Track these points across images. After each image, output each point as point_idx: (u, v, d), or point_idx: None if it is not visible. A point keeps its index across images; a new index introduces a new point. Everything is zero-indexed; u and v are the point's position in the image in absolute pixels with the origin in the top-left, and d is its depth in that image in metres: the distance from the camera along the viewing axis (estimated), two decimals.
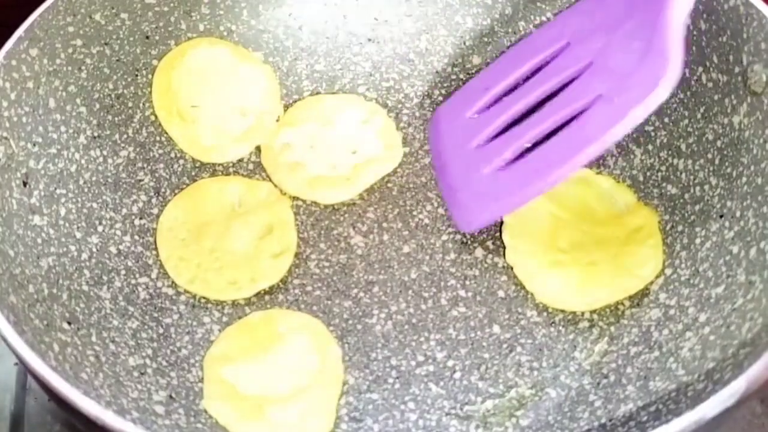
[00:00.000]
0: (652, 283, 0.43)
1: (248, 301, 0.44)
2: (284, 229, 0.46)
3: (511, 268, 0.45)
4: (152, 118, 0.49)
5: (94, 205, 0.45)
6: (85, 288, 0.42)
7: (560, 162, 0.42)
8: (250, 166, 0.49)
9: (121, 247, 0.45)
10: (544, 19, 0.51)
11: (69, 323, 0.40)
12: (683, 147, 0.45)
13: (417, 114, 0.51)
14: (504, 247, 0.46)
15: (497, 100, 0.47)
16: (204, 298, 0.44)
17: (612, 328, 0.42)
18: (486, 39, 0.52)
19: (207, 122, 0.49)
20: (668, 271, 0.43)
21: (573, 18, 0.47)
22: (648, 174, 0.46)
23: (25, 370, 0.39)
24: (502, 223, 0.46)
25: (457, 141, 0.47)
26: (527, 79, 0.47)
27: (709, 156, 0.44)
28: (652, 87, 0.40)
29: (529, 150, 0.44)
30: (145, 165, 0.48)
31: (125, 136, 0.48)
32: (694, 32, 0.45)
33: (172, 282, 0.45)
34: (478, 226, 0.45)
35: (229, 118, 0.49)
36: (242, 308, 0.44)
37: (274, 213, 0.46)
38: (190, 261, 0.45)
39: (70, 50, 0.46)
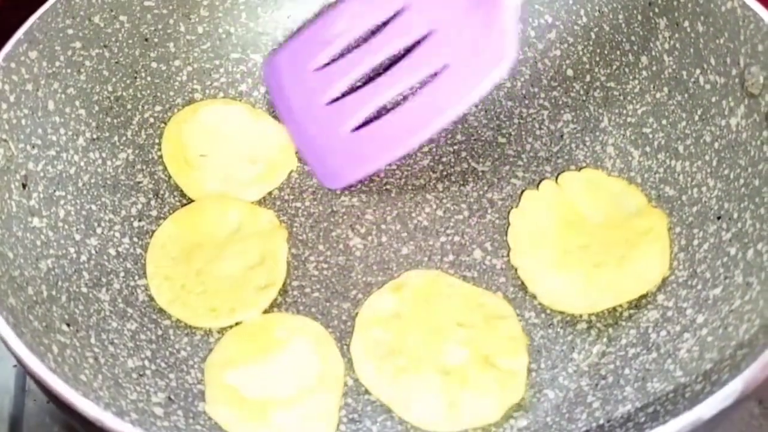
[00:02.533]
0: None
1: None
2: (275, 262, 0.45)
3: (512, 269, 0.45)
4: (151, 120, 0.49)
5: (93, 207, 0.45)
6: (84, 290, 0.42)
7: (414, 130, 0.45)
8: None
9: (119, 249, 0.45)
10: (542, 21, 0.51)
11: (68, 325, 0.40)
12: (681, 149, 0.45)
13: None
14: (502, 249, 0.46)
15: (340, 55, 0.48)
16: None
17: (610, 330, 0.43)
18: None
19: (214, 169, 0.48)
20: (666, 273, 0.43)
21: None
22: (646, 176, 0.47)
23: (24, 371, 0.39)
24: (508, 224, 0.46)
25: (305, 95, 0.48)
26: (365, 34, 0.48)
27: (707, 158, 0.44)
28: (495, 64, 0.43)
29: (381, 111, 0.47)
30: (144, 167, 0.48)
31: (124, 138, 0.48)
32: (692, 34, 0.45)
33: None
34: (344, 184, 0.48)
35: (238, 165, 0.48)
36: None
37: (268, 243, 0.45)
38: (175, 281, 0.44)
39: (69, 53, 0.46)
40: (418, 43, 0.46)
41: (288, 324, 0.43)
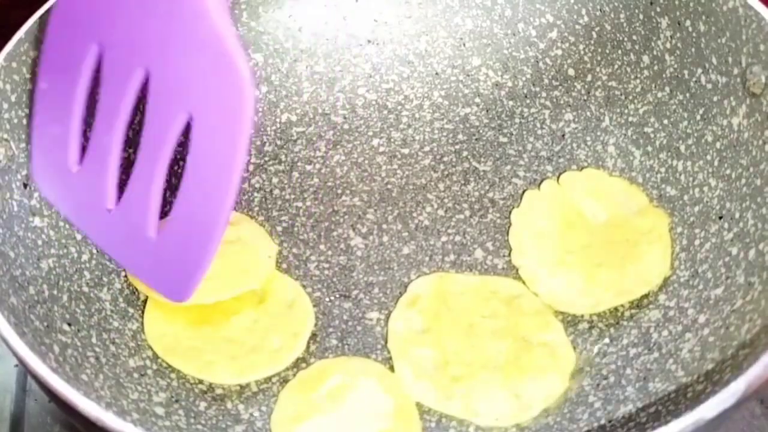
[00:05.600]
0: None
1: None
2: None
3: (513, 269, 0.45)
4: None
5: None
6: (86, 289, 0.42)
7: (219, 196, 0.36)
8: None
9: None
10: (543, 20, 0.51)
11: (69, 325, 0.40)
12: (682, 148, 0.45)
13: (417, 115, 0.51)
14: (504, 249, 0.46)
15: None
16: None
17: (611, 330, 0.43)
18: (485, 41, 0.52)
19: None
20: (668, 273, 0.43)
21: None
22: (647, 176, 0.46)
23: (25, 371, 0.39)
24: (509, 224, 0.46)
25: (86, 206, 0.41)
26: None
27: (708, 157, 0.44)
28: (245, 101, 0.34)
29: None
30: None
31: (126, 137, 0.48)
32: (694, 33, 0.45)
33: None
34: (189, 293, 0.39)
35: None
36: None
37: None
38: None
39: None
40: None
41: (346, 367, 0.41)
